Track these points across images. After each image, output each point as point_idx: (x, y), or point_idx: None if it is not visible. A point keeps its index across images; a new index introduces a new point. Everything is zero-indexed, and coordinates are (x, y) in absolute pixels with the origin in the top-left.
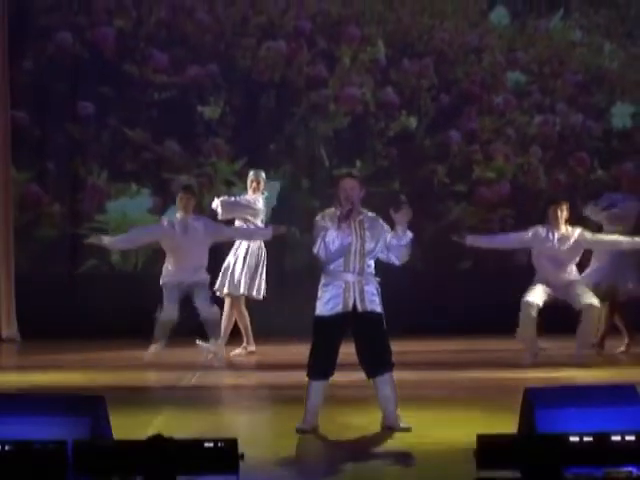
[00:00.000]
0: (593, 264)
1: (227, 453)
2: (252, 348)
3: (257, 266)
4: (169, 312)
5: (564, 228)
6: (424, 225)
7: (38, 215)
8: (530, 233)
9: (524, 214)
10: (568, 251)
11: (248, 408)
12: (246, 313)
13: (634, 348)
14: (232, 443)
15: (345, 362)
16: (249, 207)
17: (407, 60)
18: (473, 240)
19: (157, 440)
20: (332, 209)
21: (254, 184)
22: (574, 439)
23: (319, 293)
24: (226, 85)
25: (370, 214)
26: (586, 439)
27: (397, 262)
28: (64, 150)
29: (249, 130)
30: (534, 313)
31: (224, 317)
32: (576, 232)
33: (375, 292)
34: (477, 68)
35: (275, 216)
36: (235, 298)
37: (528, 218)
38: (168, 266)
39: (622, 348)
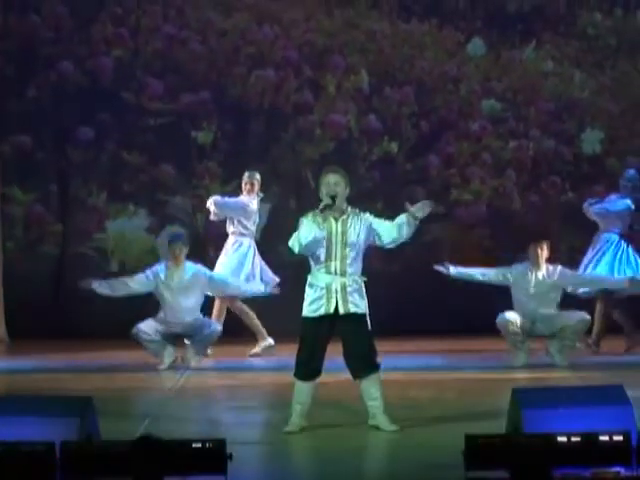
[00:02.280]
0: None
1: (215, 453)
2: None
3: (250, 263)
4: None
5: (544, 267)
6: (405, 244)
7: (42, 234)
8: (511, 271)
9: (499, 234)
10: (548, 290)
11: (237, 408)
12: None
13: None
14: (220, 443)
15: (332, 362)
16: (242, 208)
17: (389, 88)
18: (456, 271)
19: (145, 441)
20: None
21: (248, 186)
22: (562, 439)
23: (305, 294)
24: (218, 111)
25: (354, 211)
26: (574, 439)
27: (391, 245)
28: (66, 173)
29: (240, 154)
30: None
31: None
32: (557, 270)
33: (358, 293)
34: (455, 96)
35: (264, 235)
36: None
37: (503, 238)
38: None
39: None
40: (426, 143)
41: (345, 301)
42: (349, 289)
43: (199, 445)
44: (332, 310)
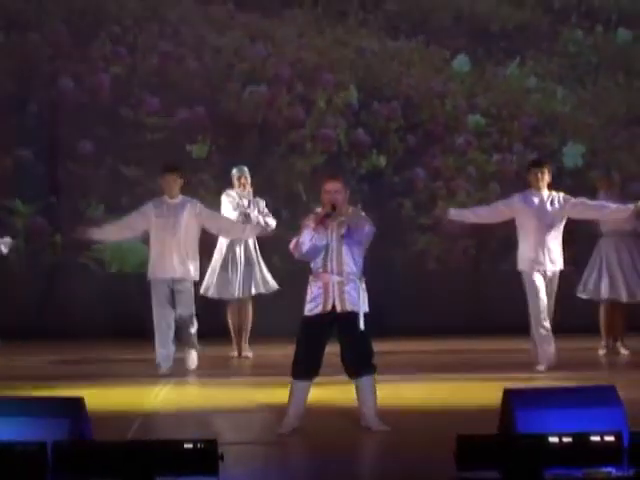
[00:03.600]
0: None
1: (207, 454)
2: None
3: (252, 262)
4: (162, 315)
5: (546, 192)
6: (393, 254)
7: (43, 244)
8: (510, 200)
9: (484, 244)
10: (552, 215)
11: (229, 409)
12: (249, 316)
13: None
14: (212, 444)
15: (326, 363)
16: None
17: (377, 104)
18: (456, 214)
19: (136, 441)
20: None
21: (242, 179)
22: (554, 440)
23: (306, 294)
24: (212, 126)
25: (354, 211)
26: (565, 440)
27: None
28: (65, 185)
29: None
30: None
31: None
32: (560, 195)
33: (356, 292)
34: (441, 111)
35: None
36: (231, 301)
37: (488, 248)
38: (152, 260)
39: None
40: (413, 156)
41: (342, 300)
42: (346, 288)
43: (190, 446)
44: (329, 308)
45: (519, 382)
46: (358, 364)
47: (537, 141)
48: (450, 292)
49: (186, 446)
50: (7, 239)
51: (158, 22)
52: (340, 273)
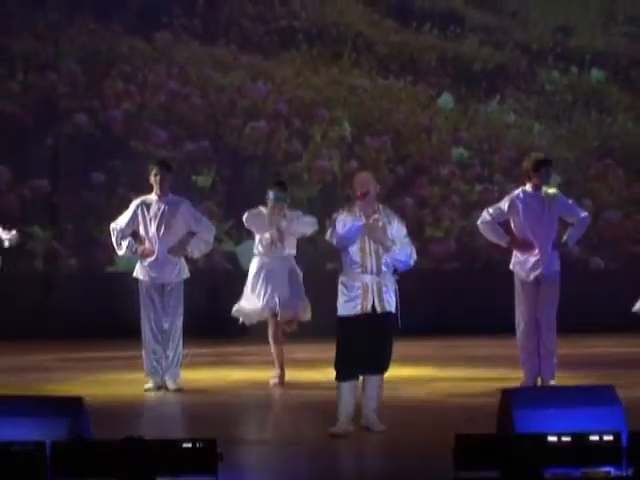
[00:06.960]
0: None
1: (206, 453)
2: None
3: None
4: (150, 322)
5: (544, 189)
6: None
7: (59, 267)
8: (508, 200)
9: (467, 267)
10: (549, 211)
11: (229, 407)
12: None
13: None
14: (211, 443)
15: (322, 361)
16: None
17: (369, 137)
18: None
19: (135, 440)
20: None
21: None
22: (552, 439)
23: (338, 293)
24: (216, 158)
25: (386, 209)
26: (564, 439)
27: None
28: (80, 213)
29: (236, 196)
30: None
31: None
32: (558, 191)
33: (392, 292)
34: (427, 144)
35: None
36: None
37: (471, 270)
38: (141, 259)
39: None
40: (402, 186)
41: (381, 300)
42: (384, 288)
43: (190, 445)
44: (370, 308)
45: (518, 382)
46: (377, 362)
47: (516, 172)
48: (449, 292)
49: (185, 445)
50: (13, 232)
51: (166, 62)
52: (378, 272)
